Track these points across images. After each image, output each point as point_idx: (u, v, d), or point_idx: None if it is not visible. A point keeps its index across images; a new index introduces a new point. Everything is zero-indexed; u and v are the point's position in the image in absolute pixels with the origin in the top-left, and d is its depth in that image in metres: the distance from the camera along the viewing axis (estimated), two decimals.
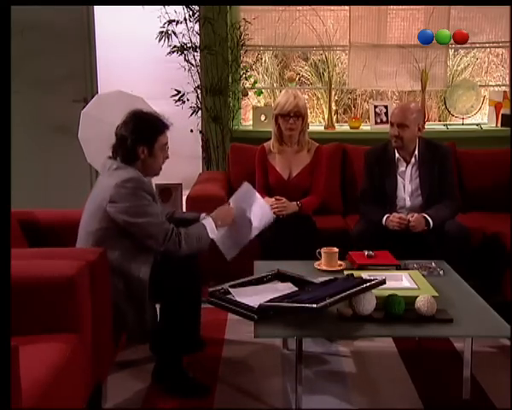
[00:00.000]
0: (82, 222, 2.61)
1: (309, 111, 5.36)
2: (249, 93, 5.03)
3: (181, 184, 4.56)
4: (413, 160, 3.44)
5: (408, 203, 3.43)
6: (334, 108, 5.08)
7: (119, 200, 2.45)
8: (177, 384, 2.55)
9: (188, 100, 4.51)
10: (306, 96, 5.49)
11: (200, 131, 4.69)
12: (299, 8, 4.71)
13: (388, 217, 3.30)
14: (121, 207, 2.44)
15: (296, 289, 2.49)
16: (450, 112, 4.91)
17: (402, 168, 3.46)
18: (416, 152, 3.44)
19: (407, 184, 3.45)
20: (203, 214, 2.80)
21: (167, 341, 2.55)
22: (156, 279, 2.48)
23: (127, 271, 2.46)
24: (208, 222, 2.67)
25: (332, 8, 4.77)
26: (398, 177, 3.46)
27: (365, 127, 4.88)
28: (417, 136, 3.43)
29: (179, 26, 4.42)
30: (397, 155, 3.46)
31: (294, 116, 3.48)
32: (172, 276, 2.49)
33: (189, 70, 4.50)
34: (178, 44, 4.44)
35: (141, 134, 2.56)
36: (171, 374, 2.57)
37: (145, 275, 2.46)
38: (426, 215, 3.26)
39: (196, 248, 2.59)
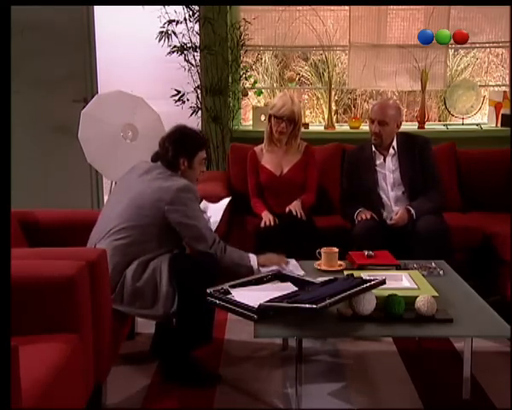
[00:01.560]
0: (122, 213, 2.64)
1: (309, 111, 5.39)
2: (249, 93, 5.03)
3: None
4: (392, 151, 3.49)
5: (391, 194, 3.46)
6: (334, 108, 5.07)
7: (179, 203, 2.63)
8: (188, 376, 2.62)
9: (188, 100, 4.51)
10: (306, 96, 5.49)
11: (200, 131, 4.68)
12: (299, 8, 4.71)
13: (360, 211, 3.34)
14: (181, 209, 2.63)
15: (296, 289, 2.49)
16: (450, 112, 4.91)
17: (379, 161, 3.51)
18: (394, 144, 3.49)
19: (388, 174, 3.48)
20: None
21: (180, 334, 2.59)
22: (177, 273, 2.57)
23: (158, 261, 2.60)
24: (252, 255, 2.78)
25: (332, 8, 4.77)
26: (377, 169, 3.50)
27: (365, 127, 4.87)
28: (395, 132, 3.48)
29: (179, 26, 4.42)
30: (373, 149, 3.52)
31: (287, 121, 3.55)
32: (191, 271, 2.56)
33: (189, 70, 4.50)
34: (178, 44, 4.44)
35: (183, 147, 2.76)
36: (182, 368, 2.63)
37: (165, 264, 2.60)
38: (409, 207, 3.31)
39: (233, 266, 2.72)
